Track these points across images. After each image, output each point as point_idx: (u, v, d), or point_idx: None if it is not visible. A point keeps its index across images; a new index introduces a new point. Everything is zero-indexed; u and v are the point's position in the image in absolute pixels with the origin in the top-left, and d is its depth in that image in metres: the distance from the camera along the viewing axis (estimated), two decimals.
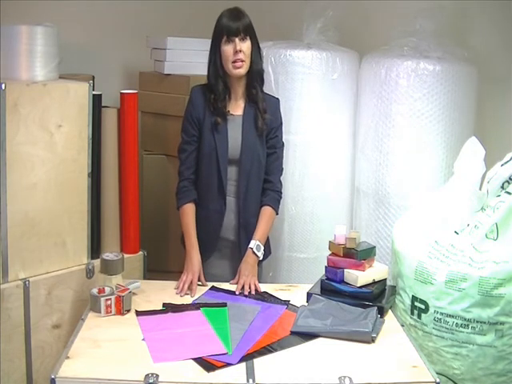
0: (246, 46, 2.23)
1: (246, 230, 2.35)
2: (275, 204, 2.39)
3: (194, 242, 2.30)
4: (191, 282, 2.21)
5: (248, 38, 2.24)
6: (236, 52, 2.20)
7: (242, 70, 2.25)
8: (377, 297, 2.12)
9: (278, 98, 2.45)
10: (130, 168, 2.48)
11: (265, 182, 2.39)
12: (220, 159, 2.29)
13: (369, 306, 2.03)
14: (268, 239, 2.45)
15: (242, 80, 2.31)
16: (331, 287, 2.14)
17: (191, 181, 2.34)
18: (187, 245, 2.30)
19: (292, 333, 1.92)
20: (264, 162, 2.37)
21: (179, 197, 2.34)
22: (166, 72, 3.00)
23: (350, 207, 2.81)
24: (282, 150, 2.44)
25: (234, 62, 2.22)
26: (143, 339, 1.84)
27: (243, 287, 2.22)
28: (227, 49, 2.22)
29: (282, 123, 2.43)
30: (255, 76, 2.31)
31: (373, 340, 1.87)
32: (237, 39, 2.21)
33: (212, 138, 2.29)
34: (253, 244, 2.30)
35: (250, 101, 2.33)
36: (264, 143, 2.35)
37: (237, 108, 2.33)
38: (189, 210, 2.32)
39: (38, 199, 2.19)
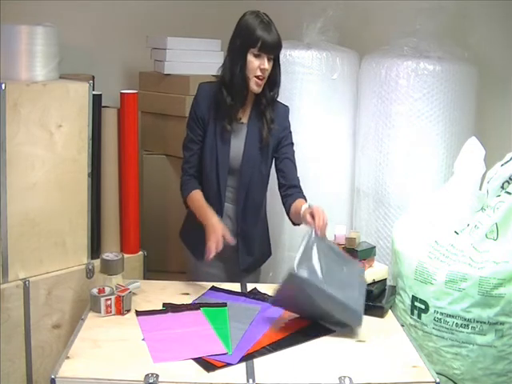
0: (270, 65, 2.18)
1: (244, 238, 2.32)
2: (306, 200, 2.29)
3: (212, 213, 2.17)
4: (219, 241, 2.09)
5: (273, 58, 2.20)
6: (262, 69, 2.16)
7: (261, 89, 2.21)
8: (377, 297, 2.12)
9: (287, 106, 2.37)
10: (130, 168, 2.48)
11: (290, 188, 2.29)
12: (220, 168, 2.24)
13: (369, 306, 2.03)
14: (269, 240, 2.45)
15: None
16: None
17: (195, 177, 2.30)
18: (206, 217, 2.16)
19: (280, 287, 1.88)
20: (266, 173, 2.32)
21: (184, 188, 2.28)
22: (165, 72, 3.00)
23: (350, 207, 2.81)
24: (294, 155, 2.37)
25: (257, 77, 2.17)
26: (143, 339, 1.84)
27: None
28: (253, 61, 2.15)
29: (290, 131, 2.36)
30: (271, 93, 2.26)
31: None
32: (266, 57, 2.16)
33: (214, 144, 2.24)
34: (306, 205, 2.14)
35: (258, 108, 2.26)
36: (268, 154, 2.29)
37: (242, 114, 2.27)
38: (197, 195, 2.24)
39: (38, 199, 2.19)
